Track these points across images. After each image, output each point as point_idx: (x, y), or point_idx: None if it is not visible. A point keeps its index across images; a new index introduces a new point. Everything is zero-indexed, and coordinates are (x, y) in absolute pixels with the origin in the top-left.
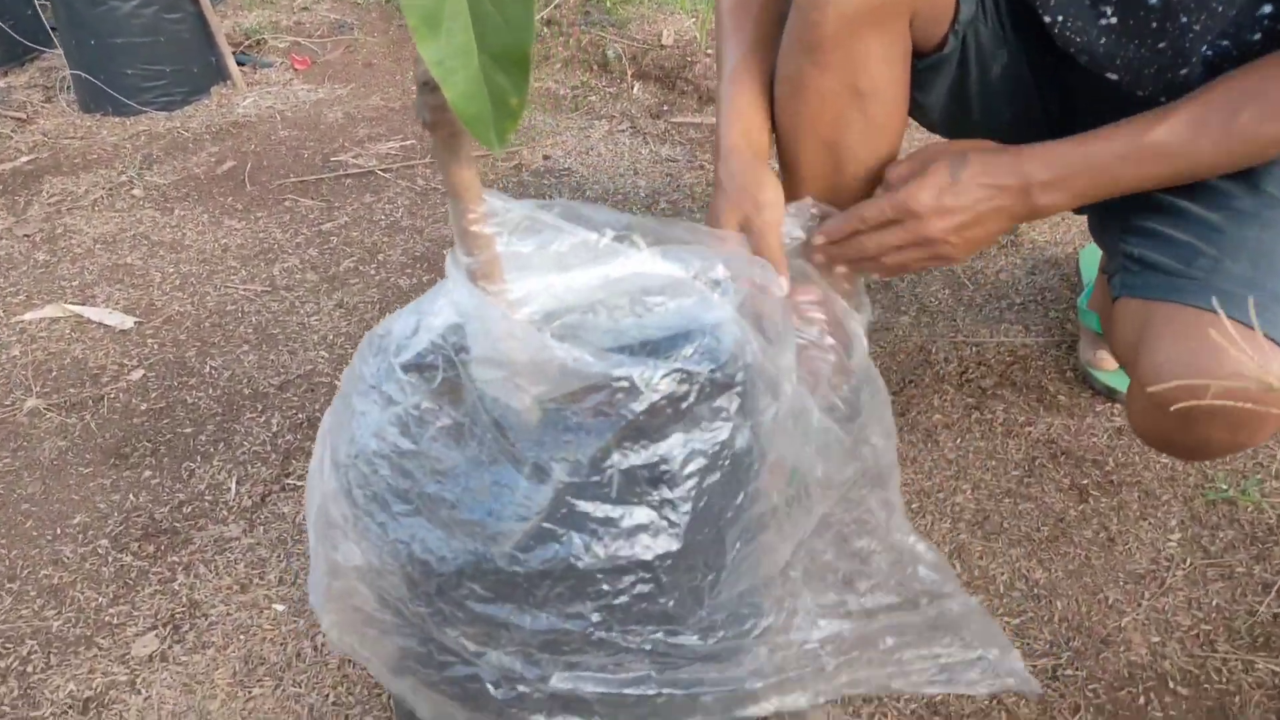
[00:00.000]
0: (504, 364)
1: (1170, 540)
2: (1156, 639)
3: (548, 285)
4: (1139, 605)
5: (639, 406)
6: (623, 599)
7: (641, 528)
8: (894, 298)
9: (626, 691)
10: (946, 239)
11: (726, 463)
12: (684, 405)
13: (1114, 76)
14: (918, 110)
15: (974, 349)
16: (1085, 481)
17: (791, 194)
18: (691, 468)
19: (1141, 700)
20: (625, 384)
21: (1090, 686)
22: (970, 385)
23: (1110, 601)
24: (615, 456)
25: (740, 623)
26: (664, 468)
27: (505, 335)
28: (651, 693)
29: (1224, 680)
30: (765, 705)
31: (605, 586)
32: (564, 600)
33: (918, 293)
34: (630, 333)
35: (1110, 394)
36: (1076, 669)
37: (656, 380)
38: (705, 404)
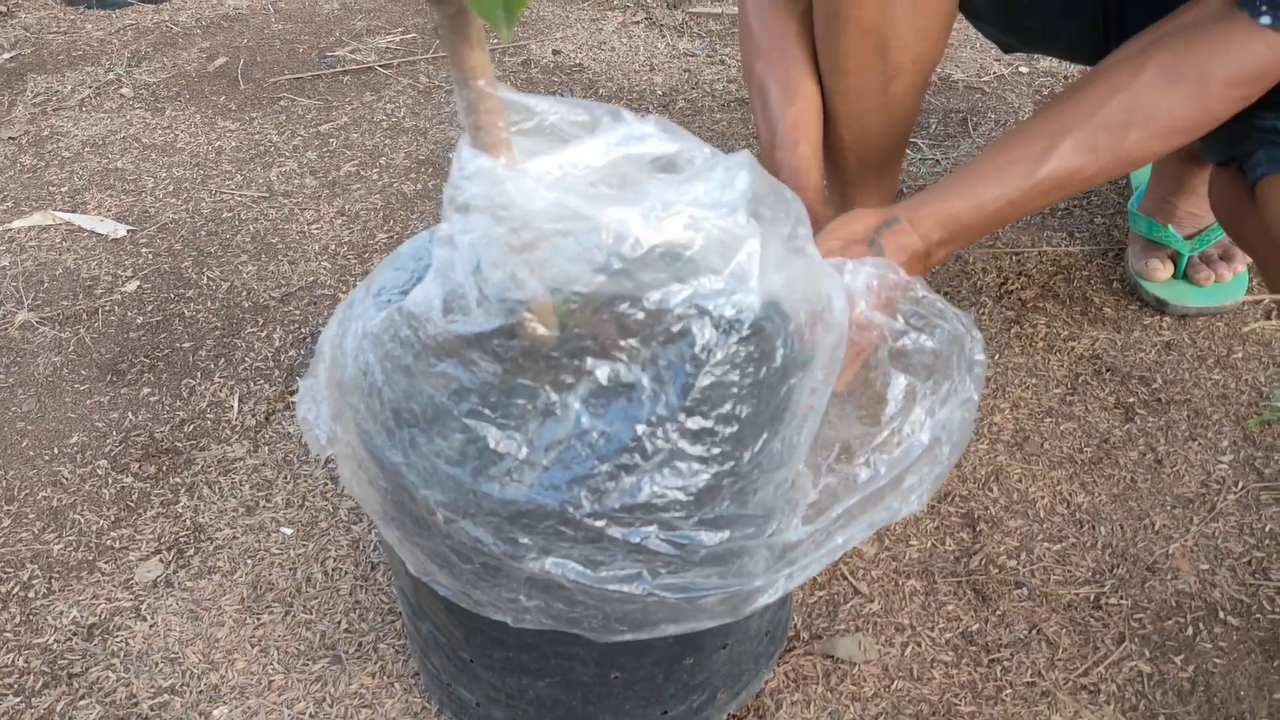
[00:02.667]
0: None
1: (1221, 462)
2: (1206, 566)
3: (556, 161)
4: (1187, 531)
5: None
6: (612, 485)
7: (638, 403)
8: None
9: (611, 588)
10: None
11: (755, 356)
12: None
13: None
14: None
15: (1014, 258)
16: (1131, 400)
17: (829, 89)
18: (717, 355)
19: (1189, 631)
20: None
21: (1135, 616)
22: (1010, 297)
23: (1157, 527)
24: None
25: (748, 524)
26: (688, 348)
27: (524, 197)
28: (640, 592)
29: (1277, 610)
30: (769, 596)
31: (593, 466)
32: (534, 468)
33: None
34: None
35: (1160, 306)
36: (1121, 598)
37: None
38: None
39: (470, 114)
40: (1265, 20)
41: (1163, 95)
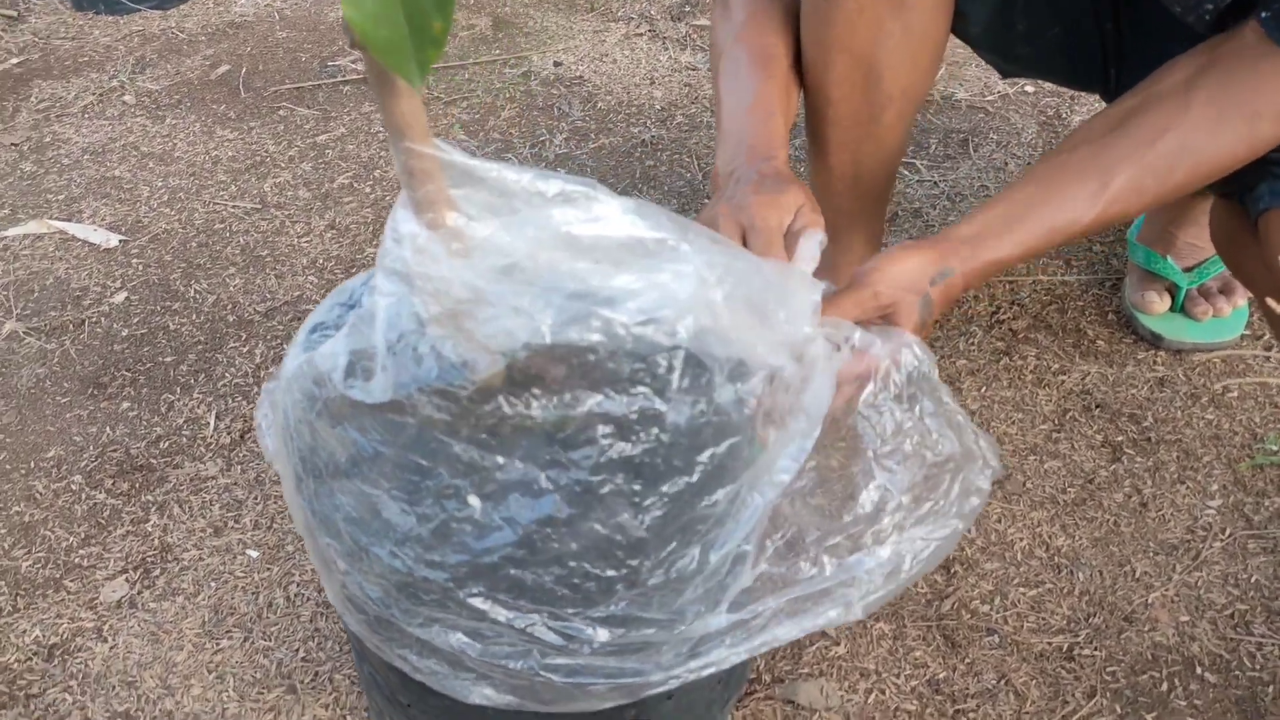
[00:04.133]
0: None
1: (1209, 507)
2: (1186, 618)
3: (494, 236)
4: (1169, 580)
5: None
6: (498, 572)
7: (534, 497)
8: (923, 227)
9: (498, 662)
10: None
11: (667, 439)
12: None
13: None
14: (960, 21)
15: (1008, 286)
16: (1120, 438)
17: (816, 116)
18: (622, 452)
19: (1164, 686)
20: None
21: (1109, 669)
22: (1001, 327)
23: (1138, 574)
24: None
25: (648, 625)
26: (591, 447)
27: (459, 285)
28: (527, 670)
29: (1258, 667)
30: (670, 686)
31: (481, 551)
32: (421, 544)
33: (950, 221)
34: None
35: (1155, 340)
36: (1095, 649)
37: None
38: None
39: (403, 171)
40: None
41: (1211, 135)
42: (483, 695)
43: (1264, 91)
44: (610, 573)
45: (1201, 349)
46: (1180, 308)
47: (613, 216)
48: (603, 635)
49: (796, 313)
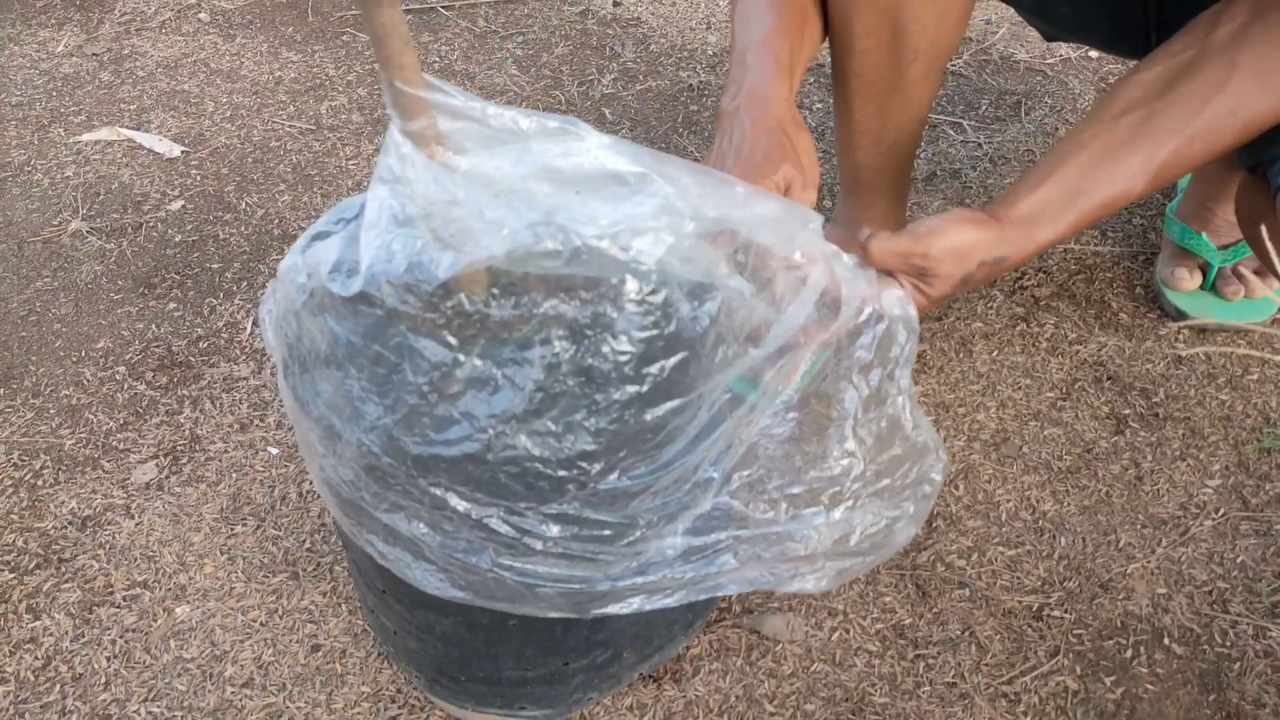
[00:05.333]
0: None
1: (1207, 486)
2: (1163, 590)
3: (479, 165)
4: (1152, 552)
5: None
6: (458, 465)
7: (495, 391)
8: (960, 188)
9: (455, 556)
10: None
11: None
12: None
13: None
14: None
15: None
16: (1126, 411)
17: (841, 69)
18: (578, 356)
19: (1128, 653)
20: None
21: (1076, 631)
22: (1023, 293)
23: (1121, 544)
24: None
25: (601, 527)
26: (556, 340)
27: (446, 199)
28: (483, 566)
29: (1227, 644)
30: (619, 608)
31: (446, 440)
32: (387, 432)
33: (989, 184)
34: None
35: (1180, 317)
36: (1065, 611)
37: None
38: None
39: (393, 106)
40: None
41: (1258, 96)
42: (437, 586)
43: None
44: (561, 472)
45: (1226, 328)
46: (1211, 286)
47: (593, 151)
48: (554, 530)
49: (785, 240)
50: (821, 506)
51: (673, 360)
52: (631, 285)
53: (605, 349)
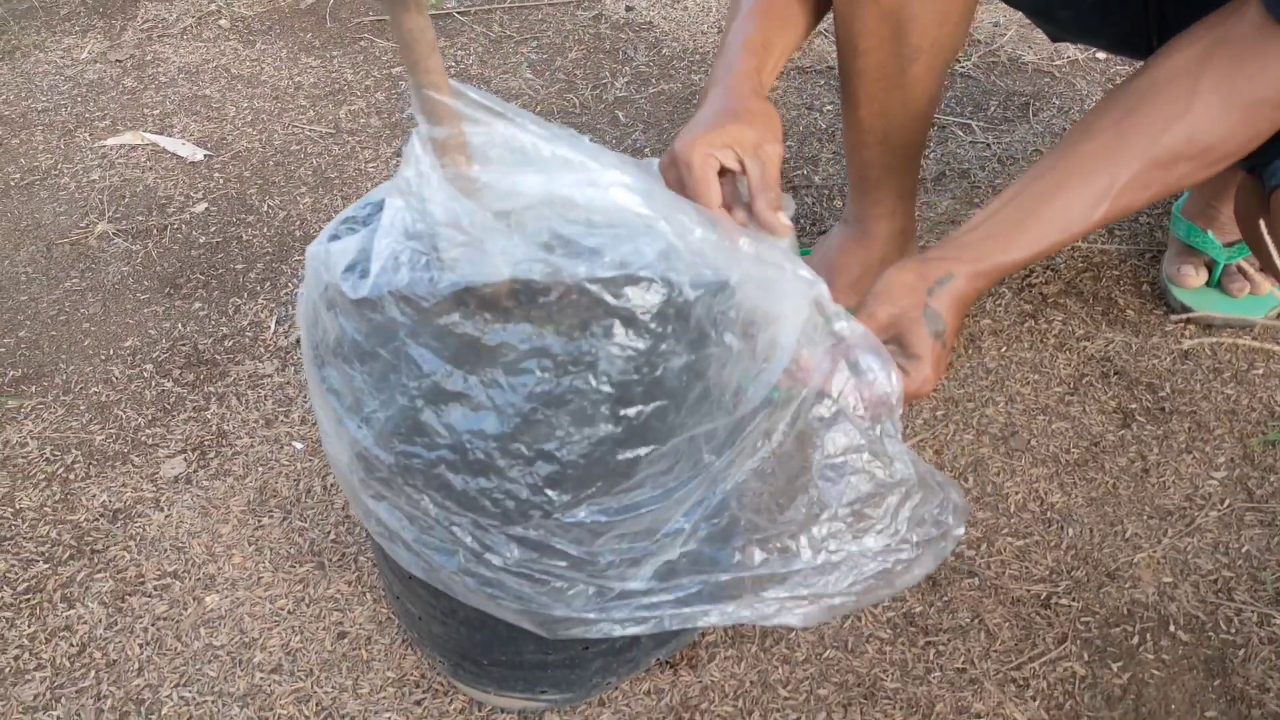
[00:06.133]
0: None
1: (1213, 478)
2: (1169, 579)
3: (497, 183)
4: (1158, 542)
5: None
6: (433, 469)
7: (477, 408)
8: (969, 188)
9: (429, 552)
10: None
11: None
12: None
13: None
14: None
15: None
16: (1133, 406)
17: (845, 68)
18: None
19: (1135, 640)
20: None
21: (1083, 619)
22: (1031, 290)
23: (1128, 534)
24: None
25: (558, 557)
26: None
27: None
28: (451, 569)
29: (1232, 631)
30: (584, 631)
31: (426, 445)
32: (377, 427)
33: (997, 184)
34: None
35: (1185, 312)
36: (1073, 599)
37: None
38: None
39: (420, 112)
40: None
41: (1218, 124)
42: (422, 571)
43: (1269, 78)
44: (527, 495)
45: (1232, 324)
46: (1217, 283)
47: (610, 188)
48: (515, 553)
49: (776, 300)
50: (793, 552)
51: (650, 407)
52: (619, 330)
53: (586, 385)
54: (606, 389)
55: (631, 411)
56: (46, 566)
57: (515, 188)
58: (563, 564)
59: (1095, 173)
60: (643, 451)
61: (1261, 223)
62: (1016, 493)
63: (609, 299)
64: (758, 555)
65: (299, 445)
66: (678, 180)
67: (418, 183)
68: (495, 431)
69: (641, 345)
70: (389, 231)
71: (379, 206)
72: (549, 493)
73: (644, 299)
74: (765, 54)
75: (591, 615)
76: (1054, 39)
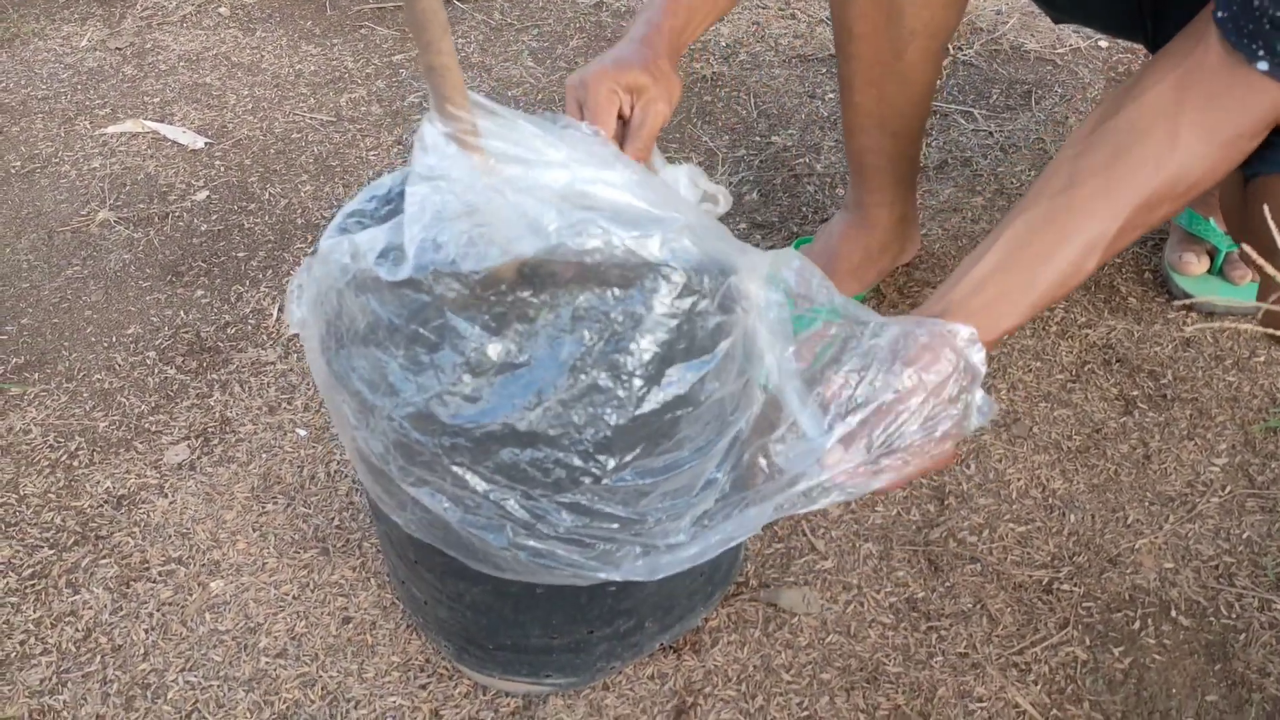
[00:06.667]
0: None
1: (1214, 465)
2: (1170, 565)
3: (514, 178)
4: (1160, 529)
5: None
6: (480, 444)
7: (523, 380)
8: (971, 176)
9: (474, 531)
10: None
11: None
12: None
13: None
14: None
15: None
16: (1135, 393)
17: (841, 53)
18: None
19: (1136, 625)
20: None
21: (1085, 604)
22: None
23: (1129, 521)
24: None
25: (611, 520)
26: (582, 339)
27: (479, 193)
28: (499, 545)
29: (1233, 616)
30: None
31: (469, 422)
32: (418, 409)
33: (999, 172)
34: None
35: (1187, 300)
36: (1075, 585)
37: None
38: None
39: (429, 78)
40: (1262, 67)
41: (1202, 162)
42: (463, 554)
43: (1246, 113)
44: (577, 463)
45: (1234, 311)
46: (1219, 270)
47: (624, 186)
48: (567, 520)
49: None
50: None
51: (694, 370)
52: (664, 288)
53: (635, 346)
54: (654, 349)
55: (676, 372)
56: (51, 552)
57: (531, 177)
58: (614, 525)
59: (1088, 225)
60: (681, 412)
61: (1266, 209)
62: (1019, 479)
63: (652, 257)
64: (779, 461)
65: (302, 432)
66: (579, 102)
67: (444, 165)
68: (544, 403)
69: (685, 305)
70: (418, 218)
71: (385, 200)
72: (599, 458)
73: (685, 257)
74: (689, 16)
75: (626, 569)
76: (1056, 20)
